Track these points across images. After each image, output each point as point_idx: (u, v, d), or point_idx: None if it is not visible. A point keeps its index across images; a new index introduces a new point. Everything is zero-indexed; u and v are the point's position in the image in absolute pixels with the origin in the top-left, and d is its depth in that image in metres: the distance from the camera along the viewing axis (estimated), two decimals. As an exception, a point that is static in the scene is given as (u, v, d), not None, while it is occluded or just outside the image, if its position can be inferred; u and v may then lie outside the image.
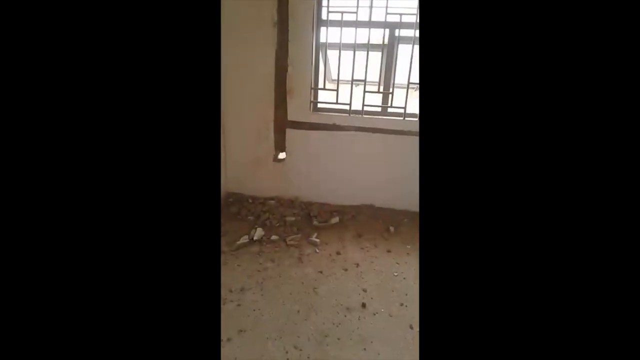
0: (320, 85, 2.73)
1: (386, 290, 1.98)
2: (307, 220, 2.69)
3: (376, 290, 1.97)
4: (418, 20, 2.38)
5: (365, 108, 2.66)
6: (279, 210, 2.76)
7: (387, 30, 2.52)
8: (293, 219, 2.67)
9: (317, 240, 2.40)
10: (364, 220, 2.73)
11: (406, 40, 2.54)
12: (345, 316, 1.77)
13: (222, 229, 2.50)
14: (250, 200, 2.91)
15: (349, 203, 2.89)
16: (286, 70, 2.59)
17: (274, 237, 2.41)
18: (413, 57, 2.48)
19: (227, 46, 2.58)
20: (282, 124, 2.75)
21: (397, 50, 2.56)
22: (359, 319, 1.76)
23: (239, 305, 1.80)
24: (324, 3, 2.49)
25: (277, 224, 2.60)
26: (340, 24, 2.49)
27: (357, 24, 2.47)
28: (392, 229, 2.59)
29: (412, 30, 2.47)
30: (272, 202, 2.87)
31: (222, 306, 1.78)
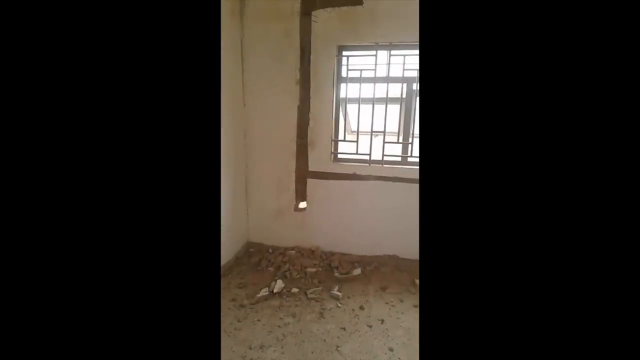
0: (341, 137, 2.81)
1: (415, 349, 1.84)
2: (328, 272, 2.61)
3: (404, 350, 1.83)
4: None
5: (385, 158, 2.70)
6: (300, 260, 2.71)
7: (405, 85, 2.63)
8: (314, 270, 2.60)
9: (339, 293, 2.31)
10: (387, 272, 2.63)
11: (423, 93, 2.62)
12: (372, 379, 1.64)
13: (242, 280, 2.46)
14: (270, 251, 2.87)
15: (371, 253, 2.81)
16: (308, 124, 2.70)
17: (294, 290, 2.33)
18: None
19: (253, 103, 2.75)
20: (303, 174, 2.81)
21: (415, 102, 2.64)
22: (386, 383, 1.62)
23: (258, 364, 1.70)
24: (344, 62, 2.65)
25: (298, 276, 2.53)
26: (359, 80, 2.63)
27: (375, 79, 2.60)
28: (418, 282, 2.47)
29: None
30: (293, 252, 2.83)
31: (240, 365, 1.69)
